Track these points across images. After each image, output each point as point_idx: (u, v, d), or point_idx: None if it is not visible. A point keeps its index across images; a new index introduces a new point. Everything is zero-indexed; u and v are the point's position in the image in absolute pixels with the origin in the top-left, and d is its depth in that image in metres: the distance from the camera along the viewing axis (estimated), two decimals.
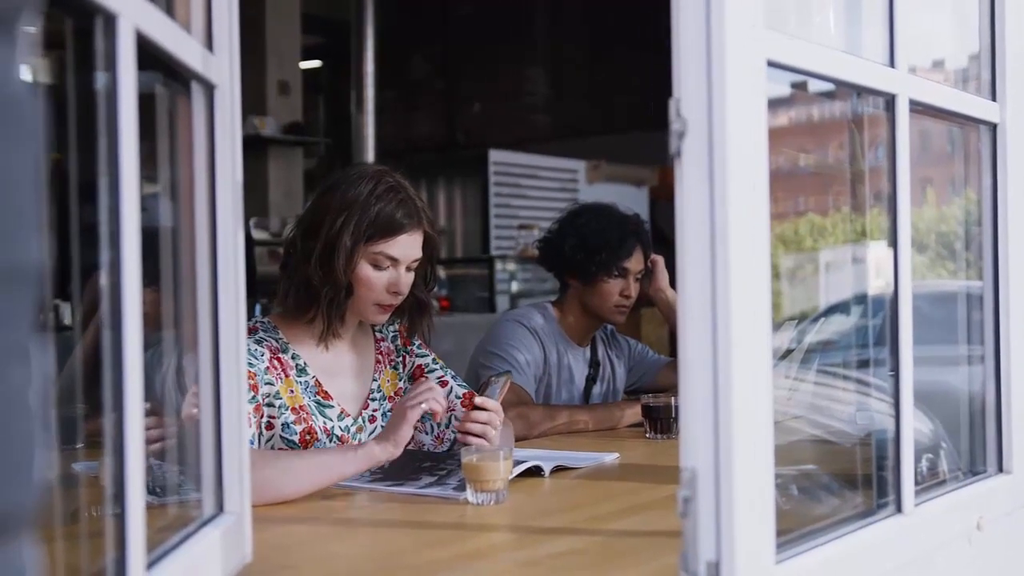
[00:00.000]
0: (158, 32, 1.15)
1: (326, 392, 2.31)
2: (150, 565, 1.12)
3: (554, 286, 3.34)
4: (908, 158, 1.58)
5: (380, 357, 2.45)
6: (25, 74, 0.64)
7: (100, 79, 1.04)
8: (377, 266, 2.26)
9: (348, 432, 2.32)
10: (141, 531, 1.05)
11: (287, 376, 2.26)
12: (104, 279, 1.04)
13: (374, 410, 2.40)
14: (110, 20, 1.02)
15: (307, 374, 2.29)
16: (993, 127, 1.88)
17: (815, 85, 1.60)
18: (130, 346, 1.04)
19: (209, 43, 1.39)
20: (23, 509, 0.62)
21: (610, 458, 2.43)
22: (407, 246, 2.28)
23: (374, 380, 2.42)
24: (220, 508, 1.41)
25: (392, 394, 2.44)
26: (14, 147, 0.61)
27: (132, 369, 1.04)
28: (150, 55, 1.14)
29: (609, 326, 3.27)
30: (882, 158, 1.70)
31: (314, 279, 2.24)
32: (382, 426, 2.36)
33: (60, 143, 1.00)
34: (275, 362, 2.23)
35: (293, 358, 2.29)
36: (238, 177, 1.44)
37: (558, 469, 2.26)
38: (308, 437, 2.24)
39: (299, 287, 2.27)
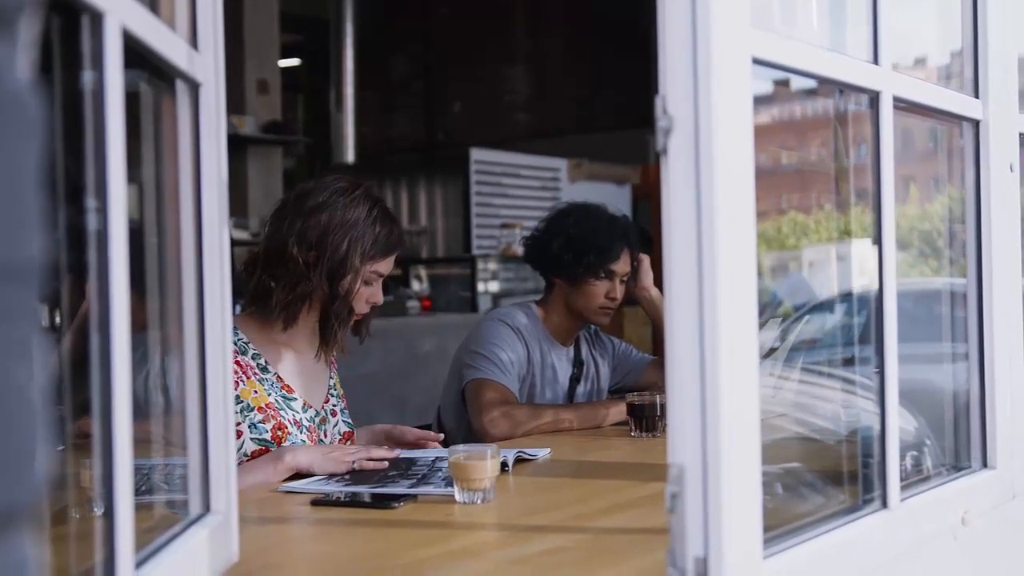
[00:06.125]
0: (144, 30, 1.14)
1: (288, 386, 2.39)
2: (138, 564, 1.11)
3: (537, 286, 3.34)
4: (892, 155, 1.59)
5: (332, 359, 2.57)
6: (25, 72, 0.63)
7: (86, 77, 1.04)
8: (367, 282, 2.39)
9: (314, 423, 2.42)
10: (130, 531, 1.04)
11: (249, 378, 2.32)
12: (91, 280, 1.03)
13: (333, 405, 2.52)
14: (97, 18, 1.01)
15: (269, 372, 2.37)
16: (976, 124, 1.89)
17: (797, 82, 1.61)
18: (118, 345, 1.03)
19: (194, 41, 1.38)
20: (26, 505, 0.62)
21: (543, 453, 2.45)
22: (392, 262, 2.45)
23: (331, 378, 2.55)
24: (207, 508, 1.41)
25: (341, 394, 2.58)
26: (17, 144, 0.61)
27: (120, 369, 1.04)
28: (135, 53, 1.13)
29: (593, 325, 3.27)
30: (865, 155, 1.70)
31: (316, 295, 2.35)
32: (343, 420, 2.52)
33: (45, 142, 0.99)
34: (235, 365, 2.27)
35: (253, 358, 2.37)
36: (223, 176, 1.43)
37: (519, 461, 2.31)
38: (279, 433, 2.32)
39: (299, 300, 2.34)
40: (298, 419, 2.36)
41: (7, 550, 0.60)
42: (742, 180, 1.25)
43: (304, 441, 2.34)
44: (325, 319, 2.38)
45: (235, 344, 2.32)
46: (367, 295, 2.40)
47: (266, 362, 2.37)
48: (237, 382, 2.27)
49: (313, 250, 2.33)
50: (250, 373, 2.32)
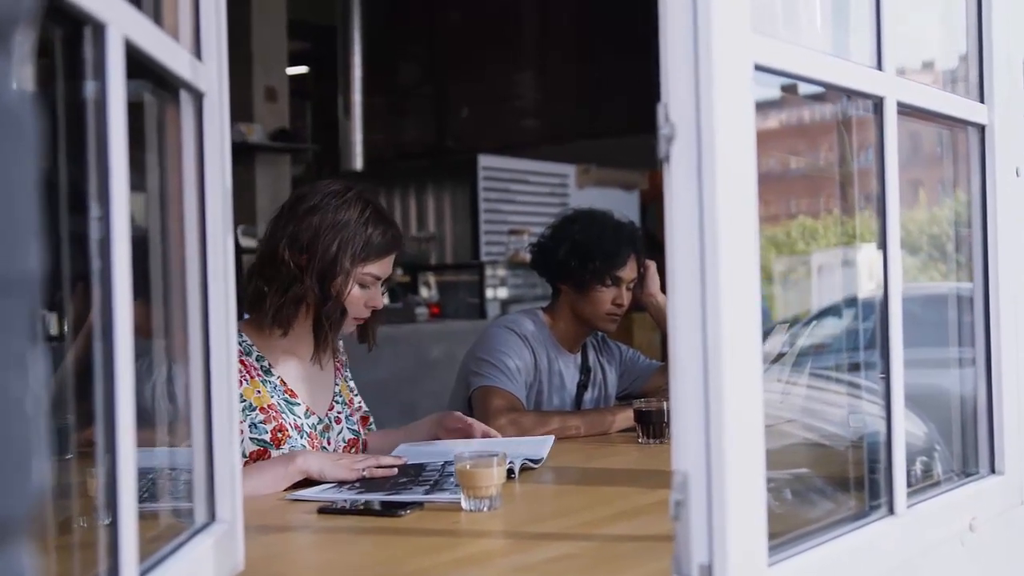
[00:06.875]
0: (147, 41, 1.14)
1: (292, 390, 2.39)
2: (143, 574, 1.11)
3: (545, 292, 3.34)
4: (896, 160, 1.58)
5: (338, 365, 2.57)
6: (22, 84, 0.64)
7: (89, 88, 1.04)
8: (362, 285, 2.38)
9: (315, 430, 2.41)
10: (134, 540, 1.04)
11: (252, 378, 2.34)
12: (94, 289, 1.04)
13: (338, 412, 2.51)
14: (99, 29, 1.02)
15: (273, 375, 2.38)
16: (981, 128, 1.88)
17: (805, 87, 1.60)
18: (121, 354, 1.04)
19: (197, 51, 1.39)
20: (22, 516, 0.63)
21: (548, 443, 2.48)
22: (390, 265, 2.43)
23: (336, 385, 2.54)
24: (212, 517, 1.41)
25: (347, 400, 2.56)
26: (13, 156, 0.61)
27: (123, 377, 1.04)
28: (138, 63, 1.14)
29: (600, 332, 3.27)
30: (872, 160, 1.70)
31: (309, 298, 2.35)
32: (348, 428, 2.51)
33: (47, 152, 1.00)
34: (239, 365, 2.27)
35: (258, 360, 2.37)
36: (227, 185, 1.43)
37: (525, 469, 2.31)
38: (280, 435, 2.32)
39: (292, 303, 2.34)
40: (299, 424, 2.36)
41: (5, 561, 0.61)
42: (744, 186, 1.25)
43: (304, 446, 2.34)
44: (318, 322, 2.37)
45: (240, 345, 2.33)
46: (365, 298, 2.39)
47: (269, 365, 2.38)
48: (240, 381, 2.27)
49: (304, 252, 2.33)
50: (254, 373, 2.33)
